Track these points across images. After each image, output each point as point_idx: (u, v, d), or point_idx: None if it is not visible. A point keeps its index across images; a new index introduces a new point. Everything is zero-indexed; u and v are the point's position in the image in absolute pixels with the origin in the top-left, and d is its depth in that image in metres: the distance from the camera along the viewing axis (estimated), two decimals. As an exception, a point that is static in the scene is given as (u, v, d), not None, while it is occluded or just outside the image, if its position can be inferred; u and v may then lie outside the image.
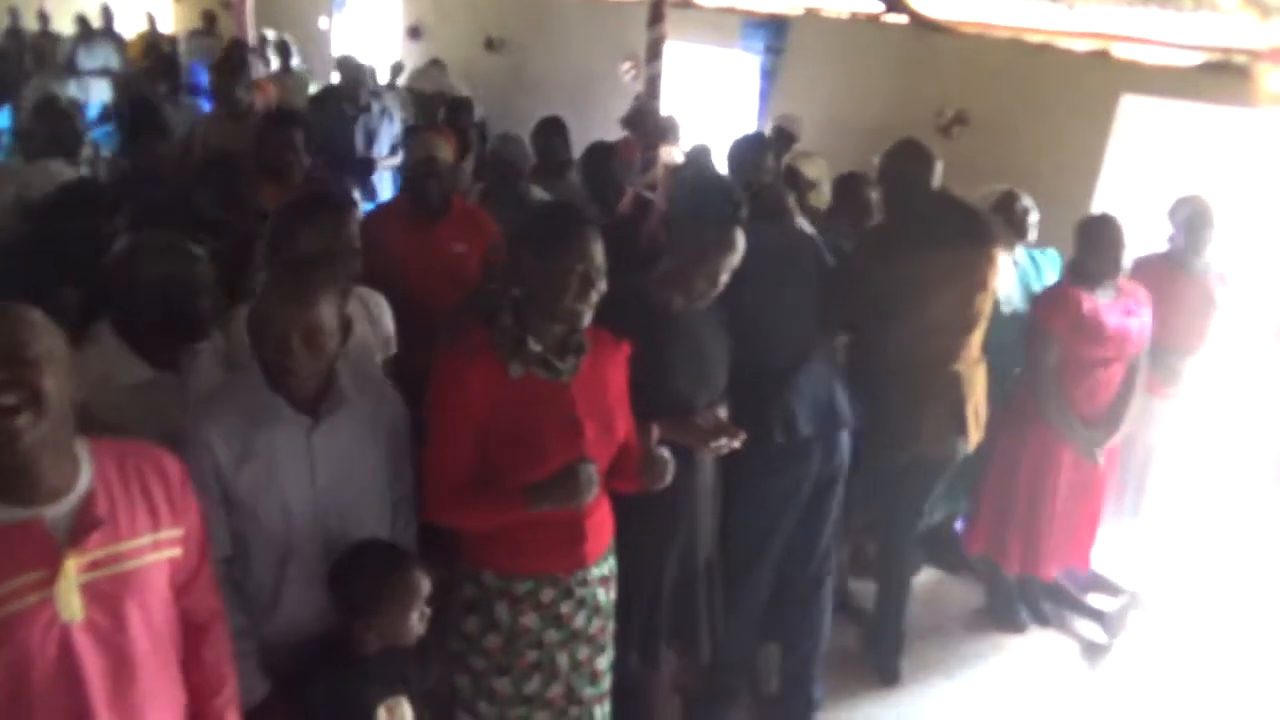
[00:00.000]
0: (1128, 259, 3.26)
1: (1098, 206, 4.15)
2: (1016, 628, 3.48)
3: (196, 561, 1.45)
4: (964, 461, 3.43)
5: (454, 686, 1.95)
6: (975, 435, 3.00)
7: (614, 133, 5.27)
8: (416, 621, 1.74)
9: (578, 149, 4.64)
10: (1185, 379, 3.58)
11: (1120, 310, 3.16)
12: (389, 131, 5.34)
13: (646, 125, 4.40)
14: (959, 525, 3.70)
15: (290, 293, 1.66)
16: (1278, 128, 3.96)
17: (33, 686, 1.24)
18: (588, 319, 1.80)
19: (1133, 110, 4.18)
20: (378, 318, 2.34)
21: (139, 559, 1.33)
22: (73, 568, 1.25)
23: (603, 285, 1.79)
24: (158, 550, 1.36)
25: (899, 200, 2.93)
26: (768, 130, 4.91)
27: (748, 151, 3.53)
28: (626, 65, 6.09)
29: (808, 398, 2.49)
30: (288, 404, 1.69)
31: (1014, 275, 3.48)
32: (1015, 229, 3.46)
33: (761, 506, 2.51)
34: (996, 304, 3.31)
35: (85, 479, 1.30)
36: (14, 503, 1.24)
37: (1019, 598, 3.54)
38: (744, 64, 5.53)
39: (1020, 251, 3.56)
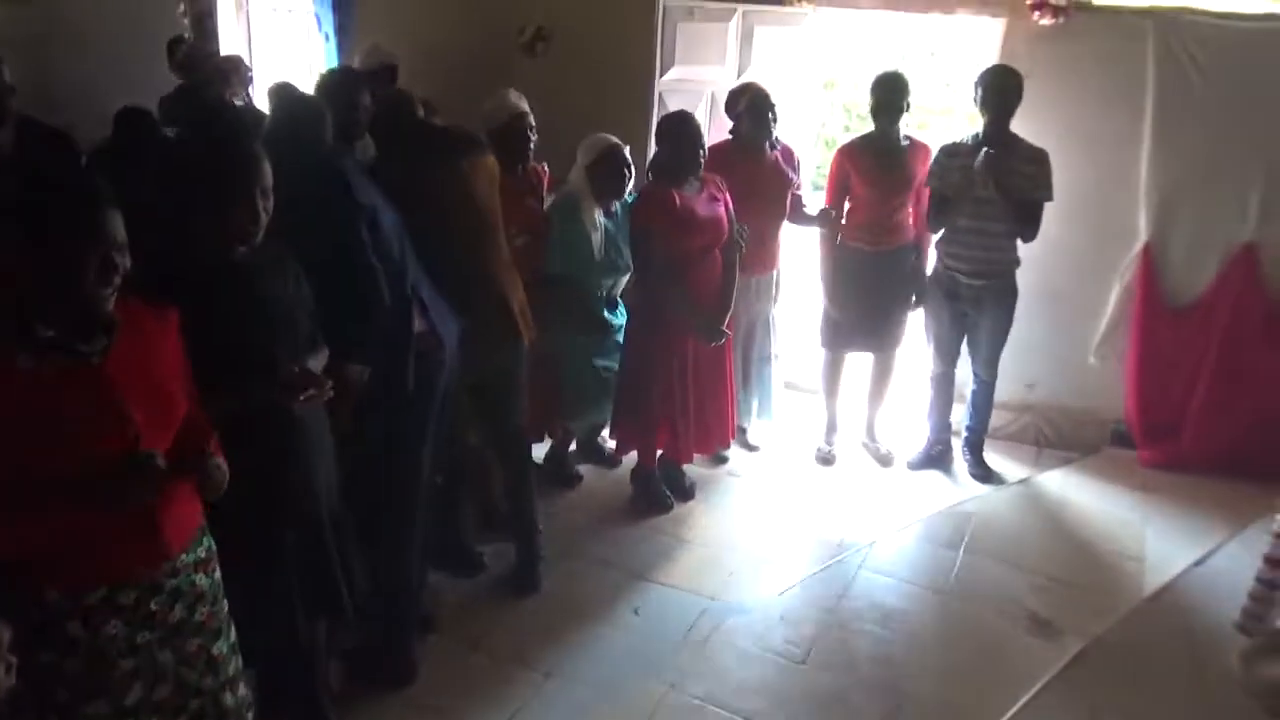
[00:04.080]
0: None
1: (657, 109, 4.43)
2: (664, 508, 3.79)
3: None
4: (602, 372, 3.66)
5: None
6: (526, 331, 3.12)
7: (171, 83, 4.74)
8: (3, 674, 1.50)
9: (134, 99, 4.11)
10: (771, 253, 4.02)
11: (707, 199, 3.45)
12: None
13: (202, 70, 3.97)
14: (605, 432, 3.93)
15: None
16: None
17: None
18: (112, 299, 1.62)
19: (671, 12, 4.46)
20: None
21: None
22: None
23: (125, 260, 1.61)
24: None
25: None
26: (358, 64, 4.66)
27: (339, 86, 3.33)
28: (181, 8, 5.45)
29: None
30: None
31: (604, 227, 3.60)
32: (615, 190, 3.57)
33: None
34: (590, 251, 3.53)
35: None
36: None
37: (661, 480, 3.84)
38: (314, -3, 5.16)
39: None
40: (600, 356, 3.69)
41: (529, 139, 3.47)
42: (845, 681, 2.89)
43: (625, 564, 3.42)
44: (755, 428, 4.33)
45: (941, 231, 3.90)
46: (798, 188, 4.05)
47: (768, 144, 3.88)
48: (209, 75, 3.93)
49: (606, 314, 3.66)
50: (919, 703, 2.81)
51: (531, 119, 3.48)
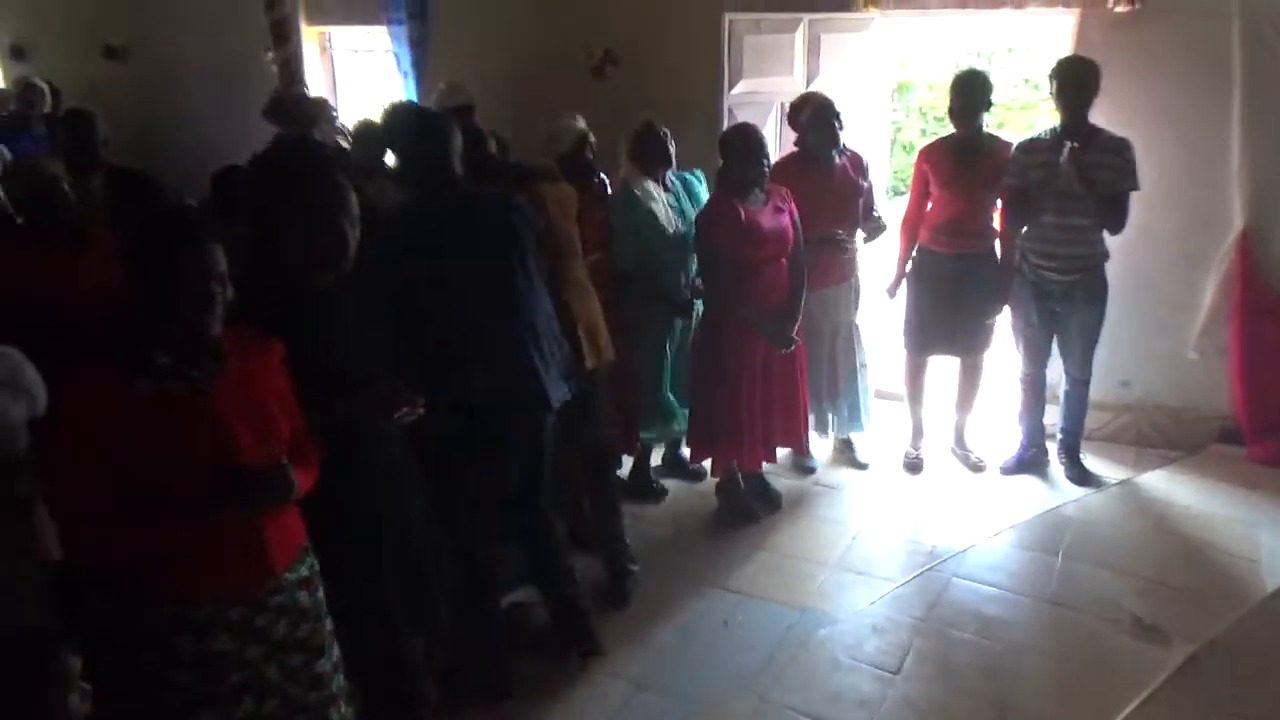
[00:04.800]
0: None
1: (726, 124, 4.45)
2: (751, 519, 3.78)
3: None
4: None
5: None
6: (590, 355, 3.15)
7: (266, 132, 4.97)
8: (79, 704, 1.59)
9: (227, 150, 4.32)
10: (849, 261, 3.99)
11: (771, 211, 3.46)
12: None
13: (290, 113, 4.16)
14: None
15: None
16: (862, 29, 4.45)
17: None
18: (218, 325, 1.72)
19: (736, 26, 4.49)
20: (11, 376, 2.04)
21: None
22: None
23: (227, 291, 1.71)
24: None
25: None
26: (435, 103, 4.82)
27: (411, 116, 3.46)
28: (269, 56, 5.72)
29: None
30: None
31: (664, 199, 3.69)
32: (660, 156, 3.65)
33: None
34: (660, 226, 3.55)
35: None
36: None
37: (747, 492, 3.83)
38: (390, 36, 5.35)
39: (668, 176, 3.77)
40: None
41: (591, 158, 3.60)
42: (943, 691, 2.83)
43: (712, 576, 3.42)
44: (861, 444, 4.28)
45: (1024, 229, 3.81)
46: (868, 194, 4.01)
47: (835, 152, 3.86)
48: (297, 118, 4.11)
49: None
50: (1022, 713, 2.74)
51: (591, 137, 3.61)
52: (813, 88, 4.39)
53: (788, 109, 4.07)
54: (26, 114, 5.55)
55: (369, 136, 3.84)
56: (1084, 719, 2.70)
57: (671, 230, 3.61)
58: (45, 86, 5.83)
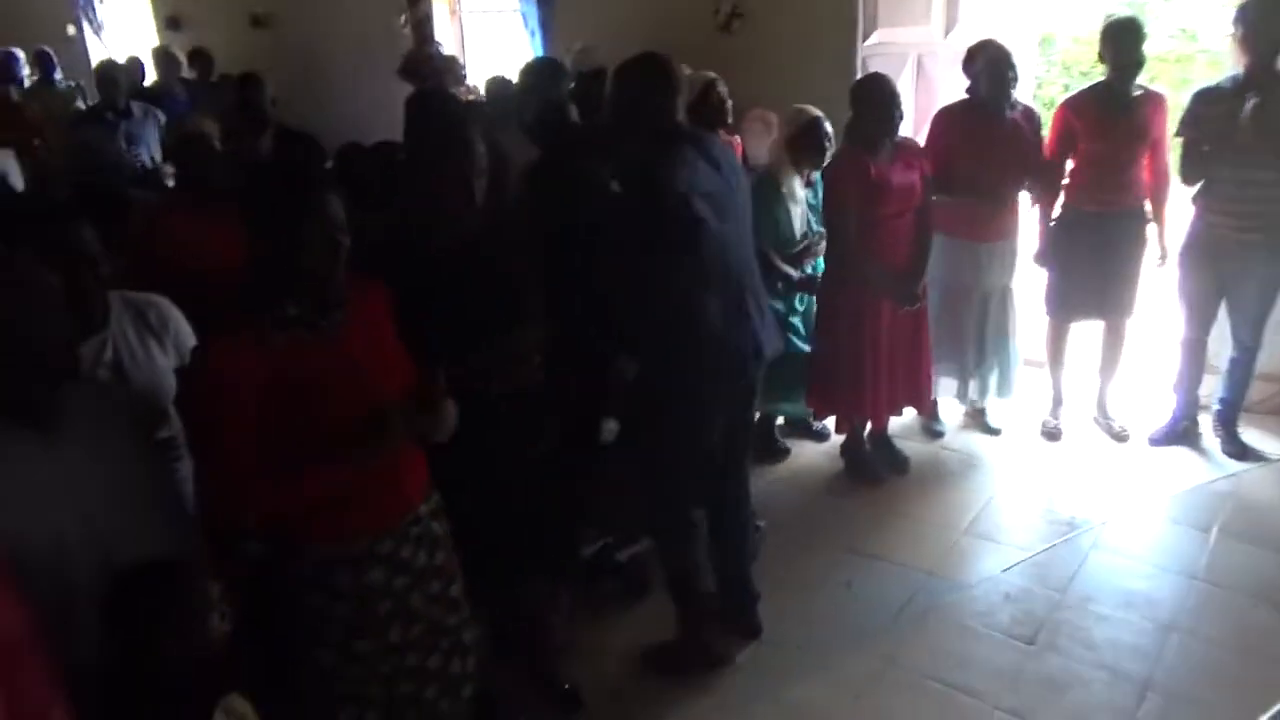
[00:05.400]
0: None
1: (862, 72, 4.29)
2: (876, 481, 3.69)
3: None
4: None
5: (316, 661, 1.90)
6: None
7: (400, 91, 5.10)
8: (218, 623, 1.66)
9: (363, 112, 4.46)
10: (1010, 220, 3.81)
11: (901, 166, 3.33)
12: (153, 133, 5.00)
13: (423, 71, 4.25)
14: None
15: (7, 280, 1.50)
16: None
17: None
18: (342, 273, 1.76)
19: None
20: (162, 323, 2.16)
21: None
22: None
23: (347, 239, 1.75)
24: None
25: None
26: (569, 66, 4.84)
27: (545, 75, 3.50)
28: (402, 19, 5.87)
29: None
30: (9, 420, 1.50)
31: (804, 197, 3.61)
32: (817, 154, 3.53)
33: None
34: (784, 233, 3.56)
35: None
36: None
37: (873, 454, 3.74)
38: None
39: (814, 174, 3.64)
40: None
41: (725, 105, 3.52)
42: (1082, 666, 2.70)
43: (836, 537, 3.36)
44: (995, 409, 4.10)
45: (1200, 184, 3.54)
46: (1038, 151, 3.77)
47: (1006, 105, 3.67)
48: (428, 75, 4.20)
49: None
50: (1168, 694, 2.58)
51: (722, 85, 3.52)
52: (950, 39, 4.18)
53: (963, 55, 3.84)
54: (171, 81, 5.84)
55: (501, 92, 3.88)
56: (1238, 707, 2.52)
57: (798, 236, 3.56)
58: (182, 55, 6.13)
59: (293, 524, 1.85)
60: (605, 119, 2.66)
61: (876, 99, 3.27)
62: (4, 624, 1.39)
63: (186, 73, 6.52)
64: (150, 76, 6.46)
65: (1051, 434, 3.99)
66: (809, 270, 3.61)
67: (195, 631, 1.61)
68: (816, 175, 3.59)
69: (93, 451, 1.59)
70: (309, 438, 1.75)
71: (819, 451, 3.97)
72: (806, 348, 3.63)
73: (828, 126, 3.50)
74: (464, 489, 2.09)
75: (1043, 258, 3.87)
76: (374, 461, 1.79)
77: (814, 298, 3.63)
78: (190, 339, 2.19)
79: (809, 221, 3.61)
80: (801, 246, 3.58)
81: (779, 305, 3.59)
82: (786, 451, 3.94)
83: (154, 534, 1.67)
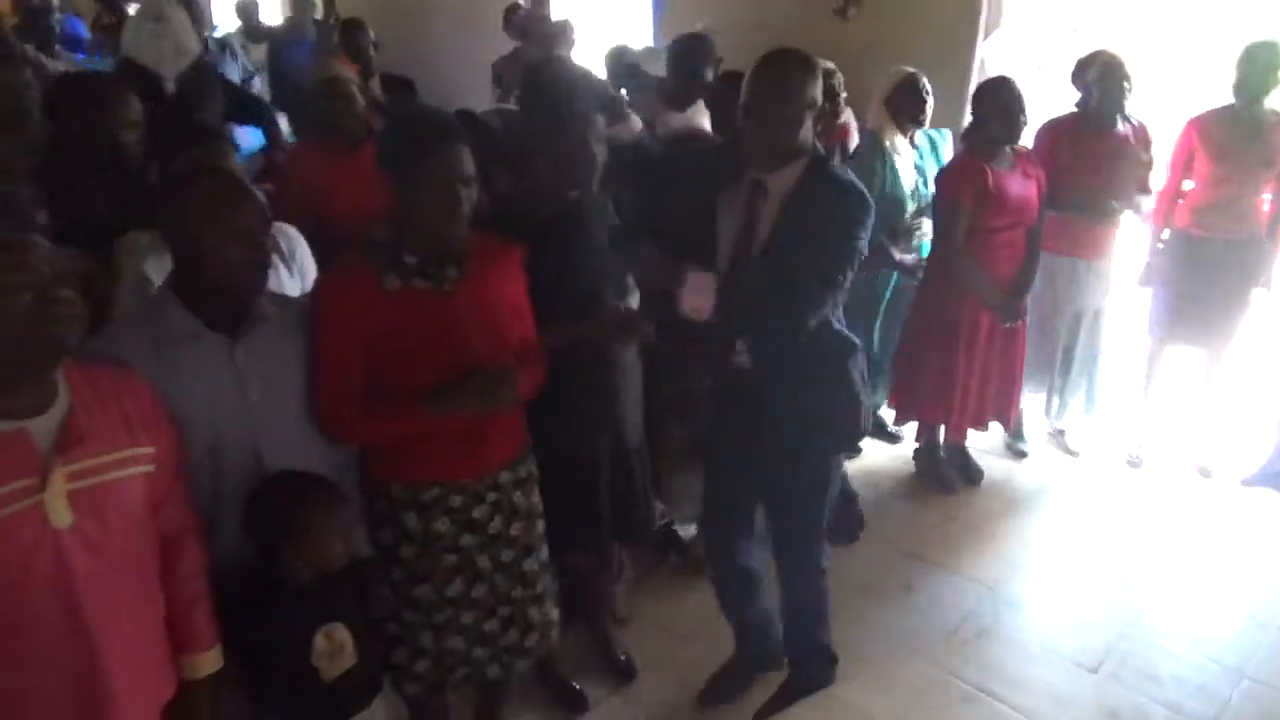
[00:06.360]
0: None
1: (978, 76, 4.18)
2: (947, 489, 3.64)
3: (170, 478, 1.54)
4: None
5: (378, 596, 1.96)
6: None
7: (504, 45, 5.14)
8: (341, 547, 1.75)
9: (469, 67, 4.50)
10: (1114, 238, 3.69)
11: (1020, 176, 3.25)
12: (234, 69, 5.11)
13: (535, 32, 4.26)
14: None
15: (217, 194, 1.64)
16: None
17: (29, 590, 1.33)
18: (462, 228, 1.79)
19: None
20: (290, 251, 2.26)
21: (118, 471, 1.42)
22: (60, 476, 1.34)
23: (472, 194, 1.78)
24: (135, 465, 1.44)
25: None
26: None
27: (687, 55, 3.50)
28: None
29: None
30: (203, 324, 1.65)
31: (911, 156, 3.55)
32: (918, 112, 3.50)
33: None
34: (901, 190, 3.46)
35: (64, 396, 1.38)
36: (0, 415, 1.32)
37: (948, 461, 3.69)
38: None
39: (919, 134, 3.62)
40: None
41: (837, 96, 3.48)
42: (1145, 700, 2.64)
43: (900, 541, 3.34)
44: (1077, 430, 4.00)
45: None
46: (1149, 168, 3.64)
47: (1119, 117, 3.54)
48: (537, 35, 4.22)
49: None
50: (1235, 742, 2.52)
51: (837, 75, 3.48)
52: (1084, 43, 4.03)
53: (1073, 65, 3.71)
54: (302, 23, 5.91)
55: (620, 62, 3.88)
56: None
57: (911, 193, 3.48)
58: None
59: (374, 458, 1.94)
60: None
61: (1001, 104, 3.17)
62: (176, 523, 1.55)
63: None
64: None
65: (1134, 462, 3.88)
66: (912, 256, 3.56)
67: (321, 547, 1.71)
68: (921, 135, 3.59)
69: (265, 360, 1.72)
70: (403, 381, 1.81)
71: (891, 452, 3.93)
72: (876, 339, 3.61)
73: (924, 81, 3.46)
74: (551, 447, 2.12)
75: (1149, 278, 3.75)
76: (456, 415, 1.83)
77: (896, 283, 3.61)
78: (313, 269, 2.29)
79: (918, 186, 3.53)
80: (913, 221, 3.52)
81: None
82: (857, 450, 3.90)
83: (306, 447, 1.78)
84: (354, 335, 1.78)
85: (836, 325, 2.20)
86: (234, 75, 4.99)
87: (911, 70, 3.47)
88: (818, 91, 2.09)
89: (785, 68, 2.06)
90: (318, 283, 1.94)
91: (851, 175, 2.17)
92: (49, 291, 1.31)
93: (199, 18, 5.15)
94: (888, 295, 3.67)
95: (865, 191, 2.11)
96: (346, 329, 1.78)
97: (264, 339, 1.71)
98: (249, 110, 3.94)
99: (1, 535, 1.30)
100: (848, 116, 3.75)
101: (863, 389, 2.22)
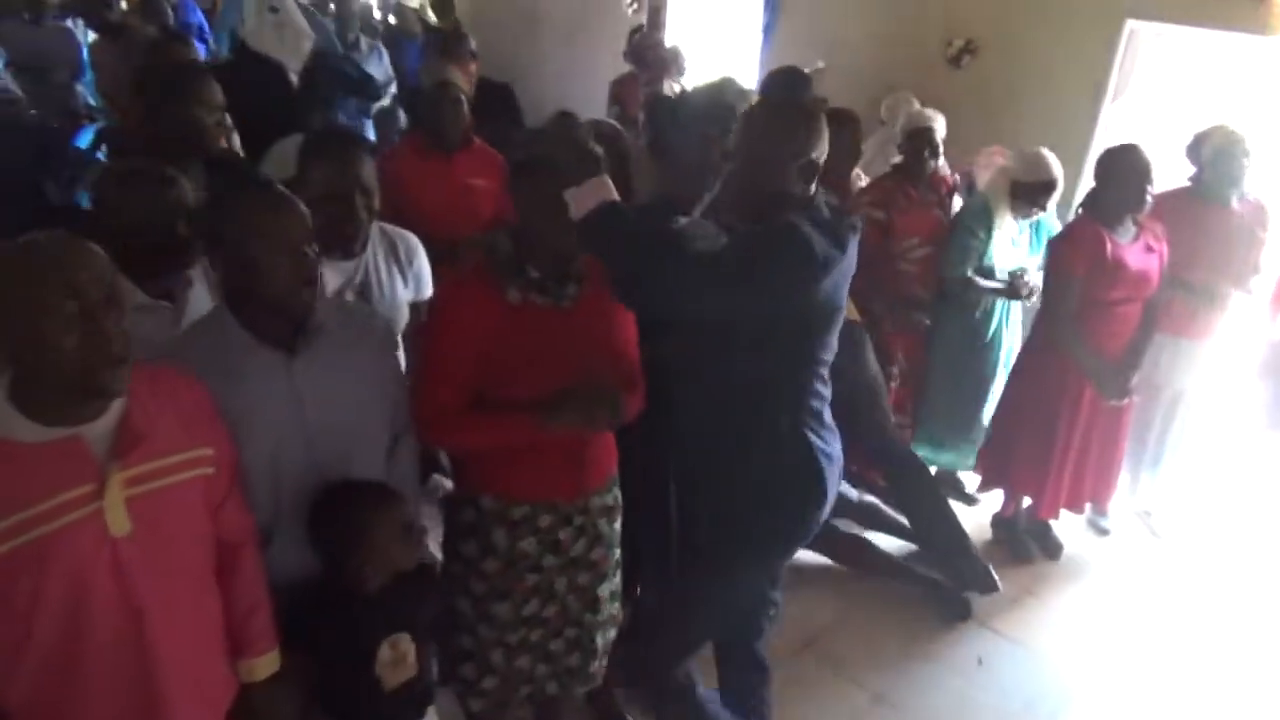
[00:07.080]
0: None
1: (1102, 136, 4.07)
2: (1024, 559, 3.52)
3: (227, 482, 1.50)
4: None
5: (454, 609, 1.97)
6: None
7: (616, 68, 5.18)
8: (404, 553, 1.74)
9: (580, 85, 4.54)
10: (1220, 320, 3.55)
11: (1141, 249, 3.10)
12: (379, 68, 5.23)
13: (649, 58, 4.29)
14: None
15: (265, 206, 1.56)
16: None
17: (89, 600, 1.29)
18: (574, 245, 1.78)
19: (1137, 35, 4.07)
20: (409, 258, 2.27)
21: (176, 475, 1.37)
22: (118, 482, 1.29)
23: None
24: (193, 468, 1.40)
25: None
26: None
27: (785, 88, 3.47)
28: (632, 2, 5.94)
29: None
30: (257, 339, 1.60)
31: (1013, 229, 3.51)
32: (1039, 209, 3.47)
33: None
34: (989, 265, 3.48)
35: (119, 399, 1.32)
36: (52, 423, 1.27)
37: (1027, 531, 3.57)
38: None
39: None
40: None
41: (936, 149, 3.49)
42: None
43: (974, 609, 3.22)
44: (1161, 513, 3.85)
45: None
46: (1263, 250, 3.49)
47: (1235, 195, 3.41)
48: (652, 62, 4.24)
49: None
50: None
51: (941, 129, 3.48)
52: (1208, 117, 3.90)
53: (1189, 140, 3.59)
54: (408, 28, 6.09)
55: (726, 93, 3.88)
56: None
57: (994, 272, 3.47)
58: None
59: (468, 468, 1.94)
60: None
61: (1126, 172, 3.02)
62: (234, 527, 1.51)
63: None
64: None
65: (1223, 552, 3.71)
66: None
67: (384, 549, 1.70)
68: (1026, 222, 3.52)
69: (324, 375, 1.65)
70: (509, 395, 1.81)
71: (966, 515, 3.80)
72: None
73: (1058, 193, 3.39)
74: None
75: (1266, 372, 3.56)
76: (555, 431, 1.79)
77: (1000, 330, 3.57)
78: (429, 278, 2.30)
79: (1015, 269, 3.48)
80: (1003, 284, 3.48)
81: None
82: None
83: (365, 463, 1.74)
84: (471, 344, 1.79)
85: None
86: (378, 74, 5.13)
87: (1054, 177, 3.35)
88: (816, 149, 1.89)
89: (782, 117, 1.92)
90: (440, 290, 1.98)
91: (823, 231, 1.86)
92: (96, 314, 1.23)
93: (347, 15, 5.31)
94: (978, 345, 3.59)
95: (811, 252, 1.81)
96: (465, 338, 1.79)
97: (322, 354, 1.64)
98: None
99: (60, 546, 1.25)
100: (942, 166, 3.69)
101: None
